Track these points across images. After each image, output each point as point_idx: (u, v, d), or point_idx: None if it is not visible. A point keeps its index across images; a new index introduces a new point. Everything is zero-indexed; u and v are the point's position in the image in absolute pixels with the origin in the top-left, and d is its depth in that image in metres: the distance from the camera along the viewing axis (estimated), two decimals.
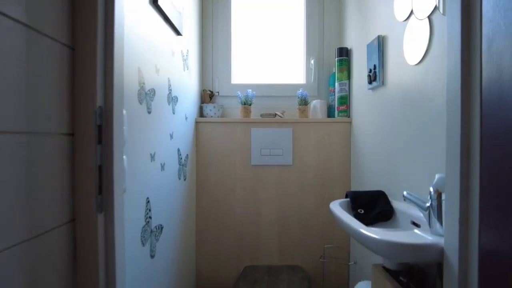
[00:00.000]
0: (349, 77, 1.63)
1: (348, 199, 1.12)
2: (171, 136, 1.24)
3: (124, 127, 0.67)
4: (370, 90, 1.35)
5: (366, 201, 1.10)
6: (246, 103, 1.71)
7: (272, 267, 1.61)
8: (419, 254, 0.67)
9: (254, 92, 1.73)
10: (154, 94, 1.04)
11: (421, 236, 0.70)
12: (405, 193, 0.82)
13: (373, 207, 1.07)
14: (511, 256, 0.44)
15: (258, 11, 1.90)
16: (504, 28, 0.46)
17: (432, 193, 0.70)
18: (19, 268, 0.44)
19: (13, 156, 0.42)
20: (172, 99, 1.26)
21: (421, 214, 0.84)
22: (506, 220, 0.45)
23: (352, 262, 1.60)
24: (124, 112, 0.66)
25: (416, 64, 0.97)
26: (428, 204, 0.72)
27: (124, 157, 0.66)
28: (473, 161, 0.54)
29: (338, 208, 1.04)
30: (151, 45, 1.02)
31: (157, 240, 1.07)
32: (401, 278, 0.84)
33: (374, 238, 0.71)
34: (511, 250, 0.44)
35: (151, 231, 1.02)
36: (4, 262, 0.41)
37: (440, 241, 0.65)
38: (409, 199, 0.80)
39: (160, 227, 1.11)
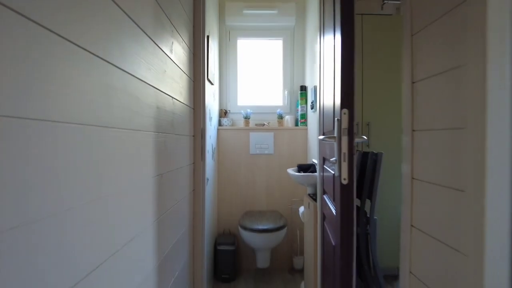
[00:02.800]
0: (306, 103, 2.83)
1: (297, 167, 2.32)
2: (210, 137, 2.43)
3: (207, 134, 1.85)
4: (312, 112, 2.54)
5: (305, 167, 2.28)
6: (246, 117, 2.90)
7: (261, 211, 2.80)
8: (307, 180, 1.86)
9: (251, 111, 2.92)
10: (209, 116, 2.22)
11: (312, 175, 1.89)
12: (313, 160, 2.01)
13: (308, 169, 2.26)
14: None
15: (255, 56, 3.09)
16: None
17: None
18: (186, 205, 1.61)
19: (182, 144, 1.60)
20: (210, 118, 2.44)
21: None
22: None
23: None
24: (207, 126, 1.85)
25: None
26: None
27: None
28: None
29: (290, 171, 2.23)
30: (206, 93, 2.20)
31: (207, 184, 2.26)
32: (311, 196, 2.03)
33: (294, 174, 1.91)
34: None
35: (207, 180, 2.20)
36: (183, 203, 1.59)
37: (316, 174, 1.83)
38: (315, 163, 1.98)
39: (207, 179, 2.29)
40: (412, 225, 1.06)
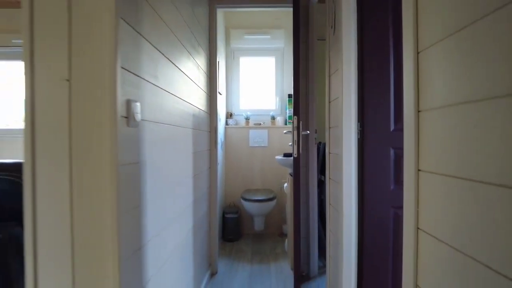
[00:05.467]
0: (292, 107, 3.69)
1: (283, 155, 3.19)
2: (220, 133, 3.30)
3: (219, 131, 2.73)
4: None
5: (289, 155, 3.15)
6: (247, 118, 3.78)
7: (258, 189, 3.68)
8: (286, 162, 2.74)
9: (250, 113, 3.80)
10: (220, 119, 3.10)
11: (289, 158, 2.76)
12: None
13: (290, 155, 3.13)
14: None
15: (253, 70, 3.97)
16: None
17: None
18: (206, 175, 2.49)
19: (203, 136, 2.48)
20: (219, 119, 3.32)
21: None
22: None
23: None
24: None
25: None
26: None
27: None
28: None
29: (277, 157, 3.10)
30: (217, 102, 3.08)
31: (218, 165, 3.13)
32: (290, 174, 2.90)
33: (278, 158, 2.79)
34: None
35: (218, 163, 3.08)
36: (205, 174, 2.47)
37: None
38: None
39: (218, 163, 3.17)
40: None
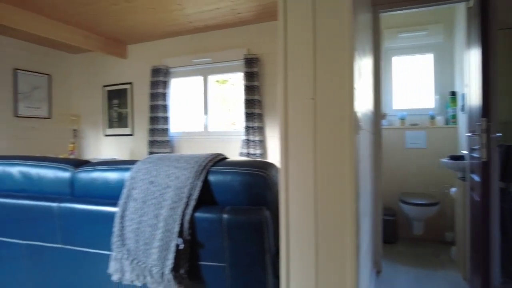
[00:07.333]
0: (455, 105, 3.41)
1: (448, 157, 2.99)
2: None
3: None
4: (462, 114, 3.14)
5: (456, 157, 2.94)
6: (402, 119, 3.69)
7: (416, 192, 3.55)
8: (458, 166, 2.57)
9: (405, 113, 3.69)
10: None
11: (462, 161, 2.59)
12: (462, 151, 2.69)
13: (457, 158, 2.92)
14: None
15: (408, 66, 3.84)
16: None
17: None
18: (372, 166, 2.61)
19: (370, 138, 2.60)
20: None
21: None
22: None
23: None
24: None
25: None
26: None
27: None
28: None
29: (444, 160, 2.93)
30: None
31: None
32: (460, 178, 2.71)
33: (448, 162, 2.65)
34: None
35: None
36: (369, 165, 2.58)
37: None
38: (464, 153, 2.67)
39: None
40: None
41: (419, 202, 3.14)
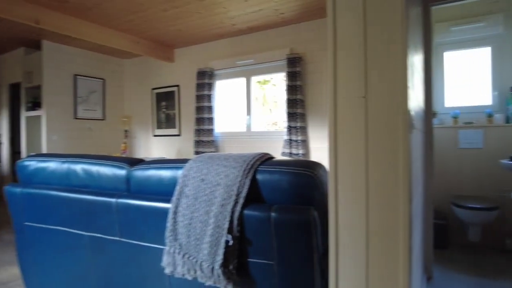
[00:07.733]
0: None
1: (510, 158, 2.75)
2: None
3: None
4: None
5: None
6: (455, 117, 3.46)
7: (471, 195, 3.31)
8: None
9: (459, 111, 3.46)
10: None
11: None
12: None
13: None
14: None
15: (461, 61, 3.60)
16: None
17: None
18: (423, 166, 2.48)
19: (421, 137, 2.47)
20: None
21: None
22: None
23: None
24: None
25: None
26: None
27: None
28: None
29: (504, 161, 2.71)
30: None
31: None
32: None
33: (506, 162, 2.44)
34: None
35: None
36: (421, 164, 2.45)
37: None
38: None
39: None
40: None
41: (476, 206, 2.92)
